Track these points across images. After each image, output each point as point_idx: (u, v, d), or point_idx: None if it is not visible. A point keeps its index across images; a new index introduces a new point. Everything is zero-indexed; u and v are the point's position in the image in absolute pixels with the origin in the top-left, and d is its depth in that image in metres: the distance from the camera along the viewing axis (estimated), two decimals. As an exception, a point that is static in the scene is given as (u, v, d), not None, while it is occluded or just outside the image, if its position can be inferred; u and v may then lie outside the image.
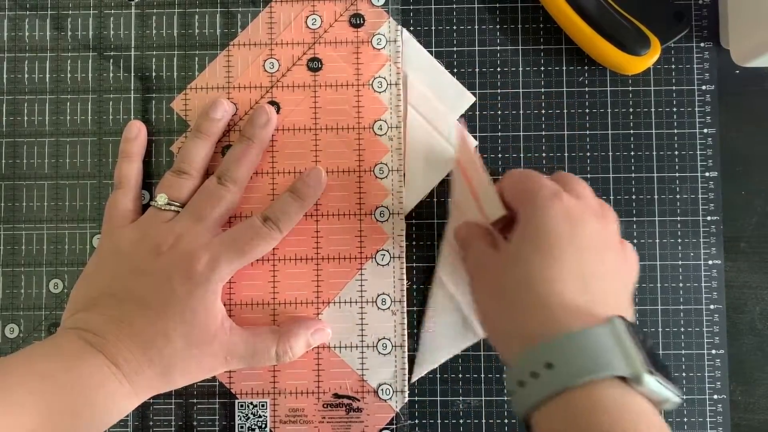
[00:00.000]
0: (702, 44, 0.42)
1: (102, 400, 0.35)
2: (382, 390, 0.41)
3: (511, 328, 0.32)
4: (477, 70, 0.43)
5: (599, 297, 0.32)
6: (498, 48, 0.43)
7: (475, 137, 0.42)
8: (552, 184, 0.34)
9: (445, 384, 0.41)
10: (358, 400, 0.41)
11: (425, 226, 0.42)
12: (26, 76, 0.43)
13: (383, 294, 0.41)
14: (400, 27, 0.43)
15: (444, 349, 0.41)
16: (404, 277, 0.41)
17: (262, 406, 0.41)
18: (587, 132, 0.42)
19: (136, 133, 0.41)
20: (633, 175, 0.42)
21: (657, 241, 0.42)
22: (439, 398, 0.41)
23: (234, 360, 0.38)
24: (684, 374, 0.41)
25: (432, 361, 0.41)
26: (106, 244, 0.39)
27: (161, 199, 0.39)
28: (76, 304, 0.38)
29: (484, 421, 0.41)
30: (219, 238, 0.38)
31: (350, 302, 0.41)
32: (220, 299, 0.38)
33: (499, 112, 0.42)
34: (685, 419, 0.40)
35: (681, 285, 0.41)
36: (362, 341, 0.41)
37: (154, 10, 0.43)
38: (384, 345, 0.41)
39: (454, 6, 0.43)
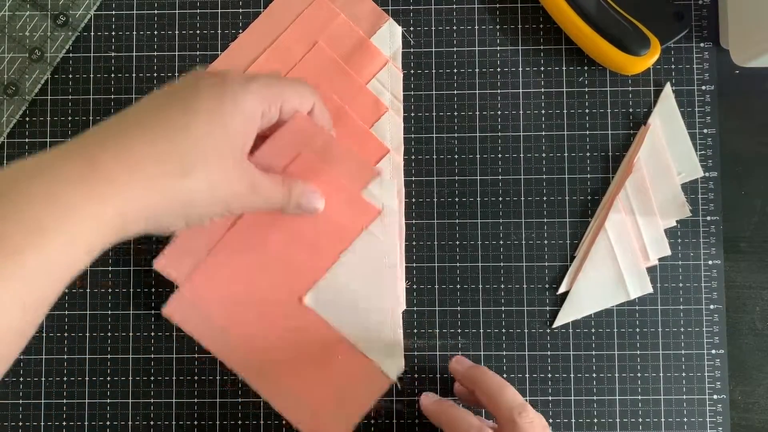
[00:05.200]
0: (702, 44, 0.42)
1: None
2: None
3: None
4: (477, 70, 0.43)
5: None
6: (498, 48, 0.43)
7: (474, 137, 0.42)
8: None
9: (445, 383, 0.41)
10: None
11: (425, 226, 0.42)
12: (26, 76, 0.43)
13: (383, 294, 0.41)
14: (400, 27, 0.43)
15: (593, 301, 0.41)
16: (404, 276, 0.42)
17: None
18: (587, 132, 0.42)
19: None
20: (633, 175, 0.42)
21: (657, 241, 0.42)
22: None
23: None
24: (684, 374, 0.41)
25: (578, 312, 0.41)
26: None
27: None
28: None
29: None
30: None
31: (349, 302, 0.41)
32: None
33: (499, 112, 0.42)
34: (685, 419, 0.40)
35: (681, 285, 0.41)
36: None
37: (155, 11, 0.44)
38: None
39: (454, 6, 0.43)
